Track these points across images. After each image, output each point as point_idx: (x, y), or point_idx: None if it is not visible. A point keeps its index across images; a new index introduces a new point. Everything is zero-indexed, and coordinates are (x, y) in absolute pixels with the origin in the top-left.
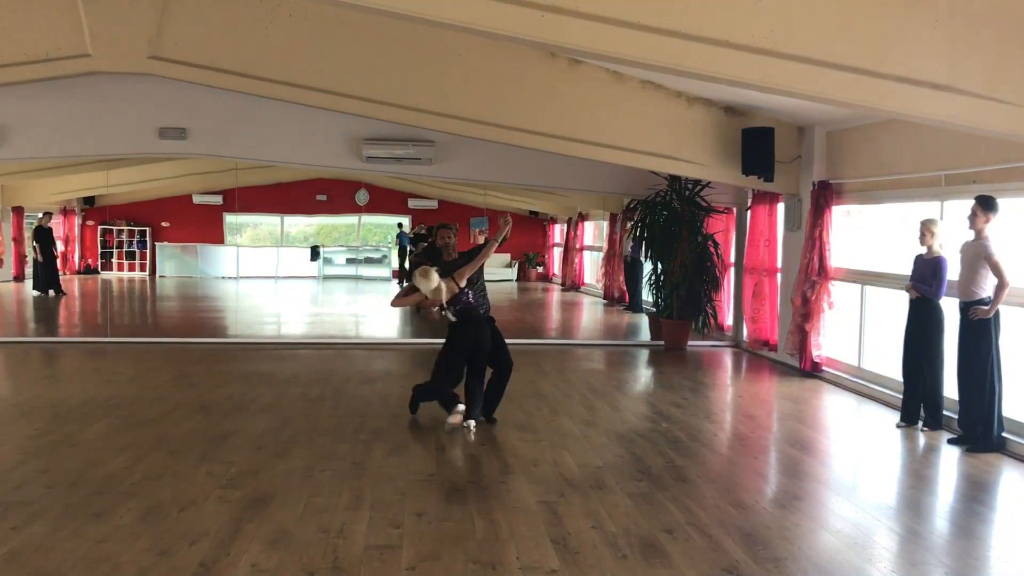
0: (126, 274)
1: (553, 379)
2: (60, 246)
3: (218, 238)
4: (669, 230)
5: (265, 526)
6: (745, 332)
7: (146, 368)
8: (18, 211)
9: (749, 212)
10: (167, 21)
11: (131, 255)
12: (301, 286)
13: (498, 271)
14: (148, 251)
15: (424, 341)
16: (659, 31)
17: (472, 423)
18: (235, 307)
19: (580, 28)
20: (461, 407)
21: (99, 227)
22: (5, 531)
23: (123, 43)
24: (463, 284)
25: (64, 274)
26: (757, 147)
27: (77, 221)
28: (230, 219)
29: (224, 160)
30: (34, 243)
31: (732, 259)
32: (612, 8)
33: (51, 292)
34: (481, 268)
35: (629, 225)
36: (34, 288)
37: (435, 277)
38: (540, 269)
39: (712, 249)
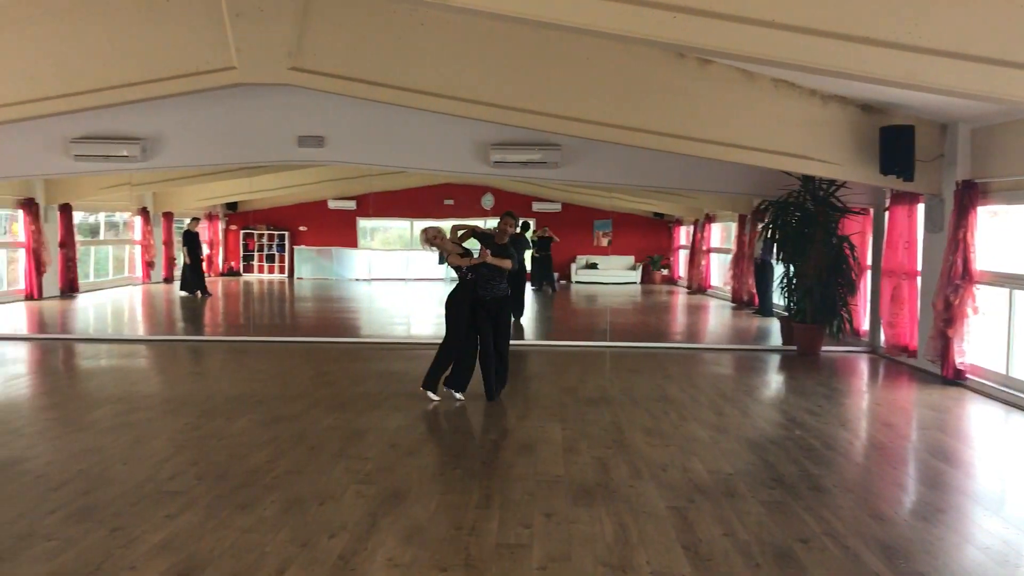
0: (266, 276)
1: (680, 383)
2: (206, 249)
3: (351, 242)
4: (802, 232)
5: (400, 521)
6: (882, 337)
7: (286, 366)
8: (168, 216)
9: (887, 213)
10: (306, 34)
11: (271, 258)
12: (430, 288)
13: (621, 273)
14: (286, 254)
15: (553, 343)
16: (796, 29)
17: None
18: (368, 308)
19: (713, 28)
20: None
21: (241, 231)
22: (160, 519)
23: (265, 56)
24: (456, 262)
25: (209, 276)
26: (896, 146)
27: (221, 226)
28: (363, 223)
29: (358, 167)
30: (183, 247)
31: (869, 261)
32: (746, 7)
33: (197, 293)
34: (494, 266)
35: (759, 227)
36: (182, 289)
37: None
38: (665, 272)
39: (847, 251)
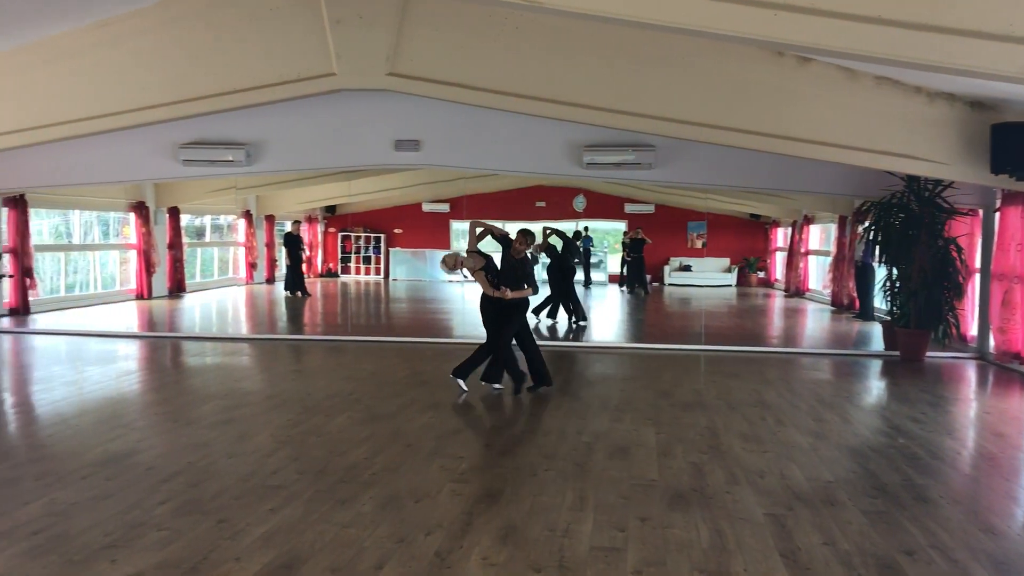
0: (362, 277)
1: (778, 388)
2: (306, 251)
3: (445, 243)
4: (906, 233)
5: (494, 521)
6: (992, 343)
7: (382, 365)
8: (270, 219)
9: (998, 214)
10: (403, 40)
11: (367, 259)
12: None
13: (716, 276)
14: (382, 256)
15: (646, 346)
16: (901, 24)
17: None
18: (461, 309)
19: (814, 25)
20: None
21: (339, 234)
22: (264, 512)
23: (364, 62)
24: (484, 286)
25: (308, 277)
26: (1009, 143)
27: (320, 228)
28: (456, 225)
29: (452, 170)
30: (284, 248)
31: (977, 264)
32: (850, 2)
33: (298, 293)
34: (506, 272)
35: (860, 228)
36: (285, 289)
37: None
38: (761, 274)
39: (955, 254)
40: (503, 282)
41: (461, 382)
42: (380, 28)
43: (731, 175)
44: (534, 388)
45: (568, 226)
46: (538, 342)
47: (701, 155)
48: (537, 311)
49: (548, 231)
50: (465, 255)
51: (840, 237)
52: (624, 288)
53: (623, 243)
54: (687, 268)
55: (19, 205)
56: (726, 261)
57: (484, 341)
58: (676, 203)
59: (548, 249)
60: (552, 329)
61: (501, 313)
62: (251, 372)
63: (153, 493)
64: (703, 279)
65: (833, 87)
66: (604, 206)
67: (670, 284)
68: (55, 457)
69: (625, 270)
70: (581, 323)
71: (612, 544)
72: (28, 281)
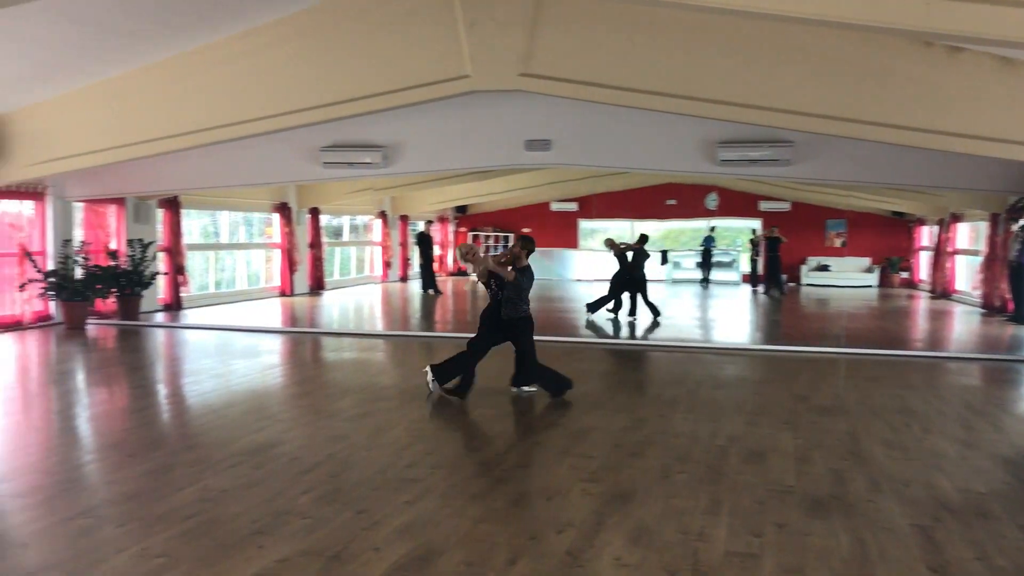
0: None
1: (923, 394)
2: (437, 250)
3: (572, 242)
4: None
5: (626, 522)
6: None
7: (512, 363)
8: (404, 219)
9: None
10: (536, 40)
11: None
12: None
13: (856, 276)
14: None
15: (781, 348)
16: None
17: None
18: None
19: (969, 13)
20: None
21: (469, 233)
22: (400, 504)
23: (497, 63)
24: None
25: (440, 275)
26: None
27: (451, 228)
28: (584, 224)
29: (582, 169)
30: (416, 247)
31: None
32: None
33: (430, 291)
34: (512, 285)
35: (1016, 227)
36: (422, 288)
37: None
38: (904, 274)
39: None
40: (511, 299)
41: (432, 380)
42: (513, 29)
43: (874, 171)
44: (459, 390)
45: (700, 224)
46: (664, 344)
47: (842, 150)
48: (593, 308)
49: (623, 246)
50: (482, 257)
51: (992, 235)
52: (755, 288)
53: (751, 241)
54: (825, 268)
55: (173, 206)
56: (867, 261)
57: (469, 343)
58: (814, 200)
59: (622, 256)
60: (676, 330)
61: (512, 327)
62: (386, 367)
63: (296, 482)
64: (842, 279)
65: (987, 77)
66: (738, 204)
67: (807, 284)
68: (206, 446)
69: (754, 269)
70: (632, 318)
71: (748, 550)
72: (180, 278)
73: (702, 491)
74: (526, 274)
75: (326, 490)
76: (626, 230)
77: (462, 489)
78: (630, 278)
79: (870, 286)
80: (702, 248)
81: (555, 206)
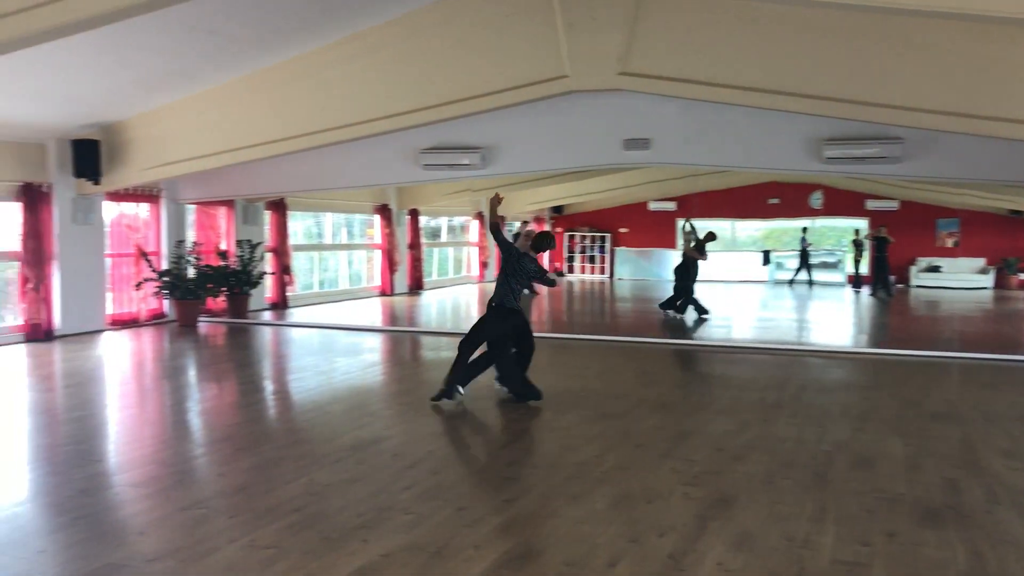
0: (587, 276)
1: None
2: None
3: (670, 243)
4: None
5: (728, 527)
6: None
7: (608, 364)
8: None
9: None
10: (635, 39)
11: (592, 258)
12: (751, 290)
13: (970, 277)
14: (607, 255)
15: (889, 352)
16: None
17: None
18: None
19: None
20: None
21: (565, 233)
22: (500, 502)
23: (596, 63)
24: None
25: None
26: None
27: (547, 228)
28: (682, 224)
29: (682, 168)
30: None
31: None
32: None
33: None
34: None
35: None
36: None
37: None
38: (1023, 276)
39: None
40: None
41: (460, 388)
42: (613, 28)
43: (990, 168)
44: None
45: (803, 223)
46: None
47: (955, 147)
48: (666, 307)
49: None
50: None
51: None
52: (857, 289)
53: (853, 241)
54: (936, 269)
55: (279, 208)
56: (982, 261)
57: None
58: (924, 199)
59: (702, 250)
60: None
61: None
62: None
63: (399, 478)
64: (955, 280)
65: None
66: (843, 202)
67: (916, 286)
68: (311, 441)
69: (857, 269)
70: (678, 315)
71: (856, 559)
72: (286, 278)
73: (807, 497)
74: (522, 262)
75: (427, 486)
76: (726, 230)
77: (561, 489)
78: (687, 272)
79: (985, 288)
80: (799, 249)
81: (653, 205)
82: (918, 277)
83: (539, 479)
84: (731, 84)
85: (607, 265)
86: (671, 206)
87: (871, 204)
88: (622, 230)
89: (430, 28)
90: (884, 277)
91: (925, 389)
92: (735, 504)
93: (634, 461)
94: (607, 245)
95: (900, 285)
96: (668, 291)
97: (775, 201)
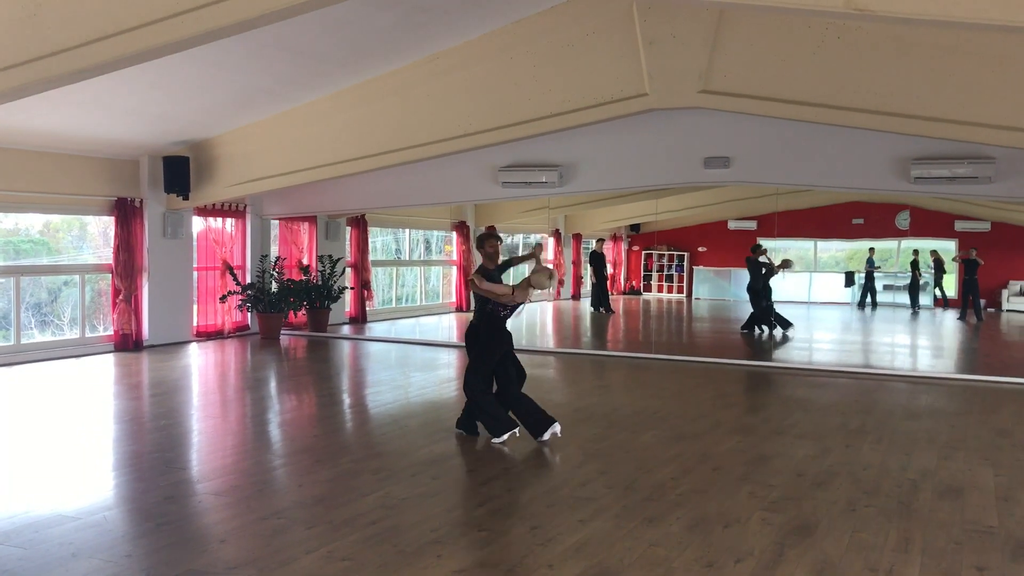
0: (664, 295)
1: None
2: (610, 268)
3: None
4: None
5: (809, 554)
6: None
7: (686, 385)
8: (577, 237)
9: None
10: (716, 56)
11: (669, 277)
12: (835, 313)
13: None
14: (684, 274)
15: (978, 378)
16: None
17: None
18: (766, 331)
19: None
20: (515, 432)
21: (642, 252)
22: (574, 523)
23: (676, 81)
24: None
25: (612, 294)
26: None
27: (623, 246)
28: (762, 244)
29: (763, 187)
30: (589, 265)
31: None
32: None
33: (602, 310)
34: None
35: None
36: (592, 306)
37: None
38: None
39: None
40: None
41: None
42: (693, 46)
43: None
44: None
45: (889, 245)
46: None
47: None
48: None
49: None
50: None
51: None
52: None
53: (934, 263)
54: None
55: (360, 225)
56: None
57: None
58: (1018, 220)
59: (787, 266)
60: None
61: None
62: (557, 385)
63: (473, 495)
64: None
65: None
66: (931, 223)
67: (1009, 310)
68: (388, 454)
69: (941, 292)
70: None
71: None
72: (366, 293)
73: (892, 527)
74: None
75: (501, 504)
76: (808, 250)
77: (636, 511)
78: (759, 289)
79: None
80: (865, 271)
81: (733, 224)
82: (1010, 301)
83: (614, 500)
84: (814, 102)
85: (685, 284)
86: (752, 225)
87: (960, 225)
88: (700, 249)
89: (510, 48)
90: (975, 300)
91: (1017, 417)
92: (815, 531)
93: (711, 484)
94: (685, 264)
95: (991, 309)
96: (747, 312)
97: (859, 221)
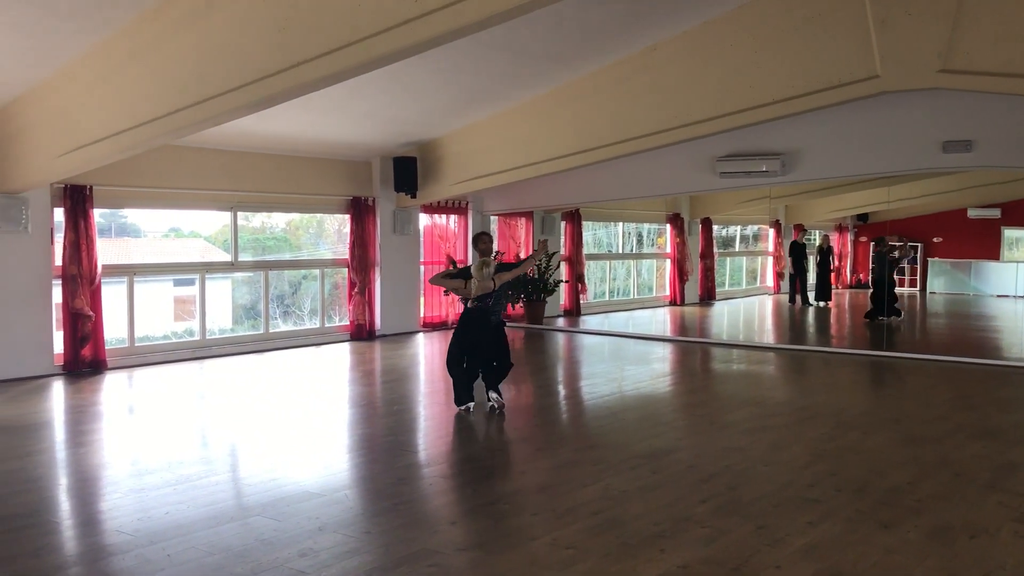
0: (897, 290)
1: None
2: (834, 261)
3: (994, 254)
4: None
5: None
6: None
7: (920, 385)
8: (798, 228)
9: None
10: (959, 32)
11: (901, 270)
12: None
13: None
14: (918, 267)
15: None
16: None
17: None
18: (1015, 328)
19: None
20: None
21: (871, 243)
22: (803, 524)
23: (911, 61)
24: (495, 287)
25: (836, 288)
26: None
27: (850, 237)
28: (1009, 233)
29: (1009, 171)
30: (788, 257)
31: None
32: None
33: (821, 303)
34: (510, 282)
35: None
36: (816, 299)
37: (485, 272)
38: None
39: None
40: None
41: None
42: (931, 22)
43: None
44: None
45: None
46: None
47: None
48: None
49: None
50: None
51: None
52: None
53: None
54: None
55: (574, 219)
56: None
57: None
58: None
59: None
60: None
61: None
62: (779, 382)
63: (695, 491)
64: None
65: None
66: None
67: None
68: (606, 446)
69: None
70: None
71: None
72: (580, 286)
73: None
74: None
75: (724, 501)
76: None
77: (870, 515)
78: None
79: None
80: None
81: (973, 212)
82: None
83: (845, 502)
84: None
85: (918, 278)
86: (995, 213)
87: None
88: (936, 239)
89: (729, 35)
90: None
91: None
92: None
93: (953, 491)
94: (919, 256)
95: None
96: (988, 307)
97: None
